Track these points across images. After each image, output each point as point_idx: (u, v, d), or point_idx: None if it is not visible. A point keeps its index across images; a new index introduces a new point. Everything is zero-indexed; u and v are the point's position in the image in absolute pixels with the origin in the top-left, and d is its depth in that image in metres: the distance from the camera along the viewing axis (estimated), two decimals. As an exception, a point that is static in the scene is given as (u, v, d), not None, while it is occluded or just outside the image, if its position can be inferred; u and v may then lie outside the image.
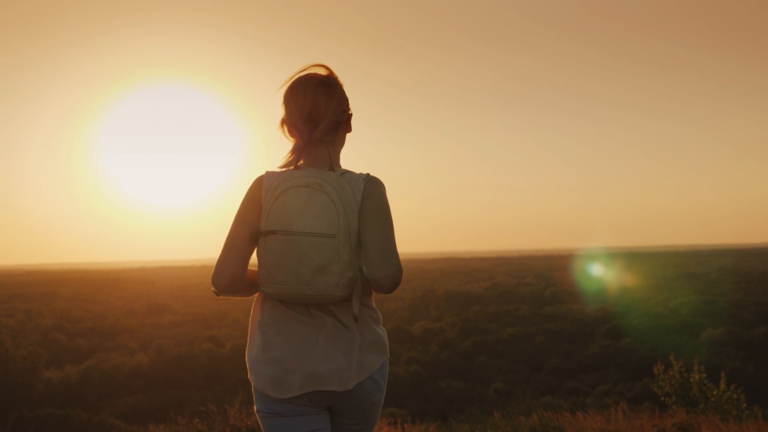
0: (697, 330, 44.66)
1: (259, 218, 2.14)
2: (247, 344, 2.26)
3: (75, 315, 60.46)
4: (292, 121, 2.20)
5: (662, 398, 8.98)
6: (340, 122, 2.24)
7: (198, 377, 38.77)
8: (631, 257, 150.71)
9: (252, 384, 2.22)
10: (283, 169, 2.20)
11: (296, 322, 2.18)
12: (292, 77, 2.24)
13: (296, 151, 2.21)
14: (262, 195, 2.15)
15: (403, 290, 68.85)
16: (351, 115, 2.28)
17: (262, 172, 2.22)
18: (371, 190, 2.18)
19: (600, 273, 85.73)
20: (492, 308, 60.33)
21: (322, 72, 2.25)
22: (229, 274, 2.14)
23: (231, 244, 2.15)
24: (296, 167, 2.19)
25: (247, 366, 2.23)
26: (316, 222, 2.06)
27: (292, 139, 2.24)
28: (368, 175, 2.21)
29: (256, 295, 2.30)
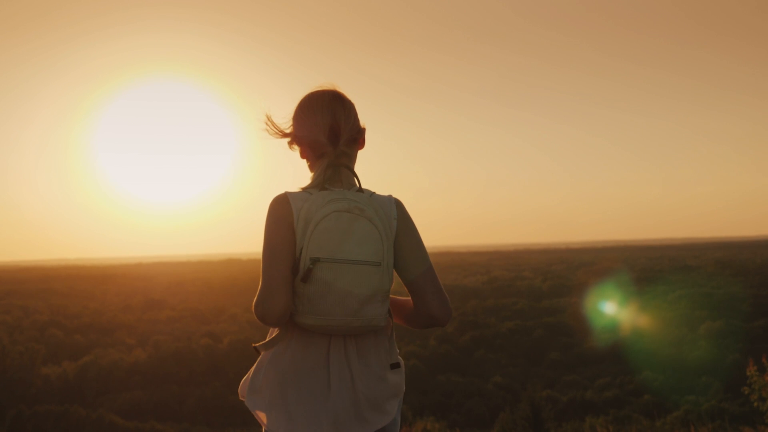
0: (696, 323, 44.71)
1: (293, 243, 2.00)
2: (255, 374, 2.10)
3: (72, 311, 60.38)
4: (314, 138, 2.11)
5: (755, 403, 7.95)
6: (357, 138, 2.18)
7: (196, 372, 38.69)
8: (626, 251, 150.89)
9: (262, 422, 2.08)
10: (307, 191, 2.06)
11: (319, 368, 2.05)
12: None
13: (323, 171, 2.09)
14: (294, 219, 2.00)
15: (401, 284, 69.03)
16: (364, 129, 2.21)
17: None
18: (404, 216, 2.12)
19: (599, 270, 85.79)
20: (490, 302, 60.37)
21: (331, 88, 2.18)
22: (281, 305, 1.95)
23: (275, 274, 1.96)
24: (322, 188, 2.07)
25: (249, 398, 2.07)
26: (361, 249, 1.95)
27: (304, 159, 2.18)
28: (395, 198, 2.13)
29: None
